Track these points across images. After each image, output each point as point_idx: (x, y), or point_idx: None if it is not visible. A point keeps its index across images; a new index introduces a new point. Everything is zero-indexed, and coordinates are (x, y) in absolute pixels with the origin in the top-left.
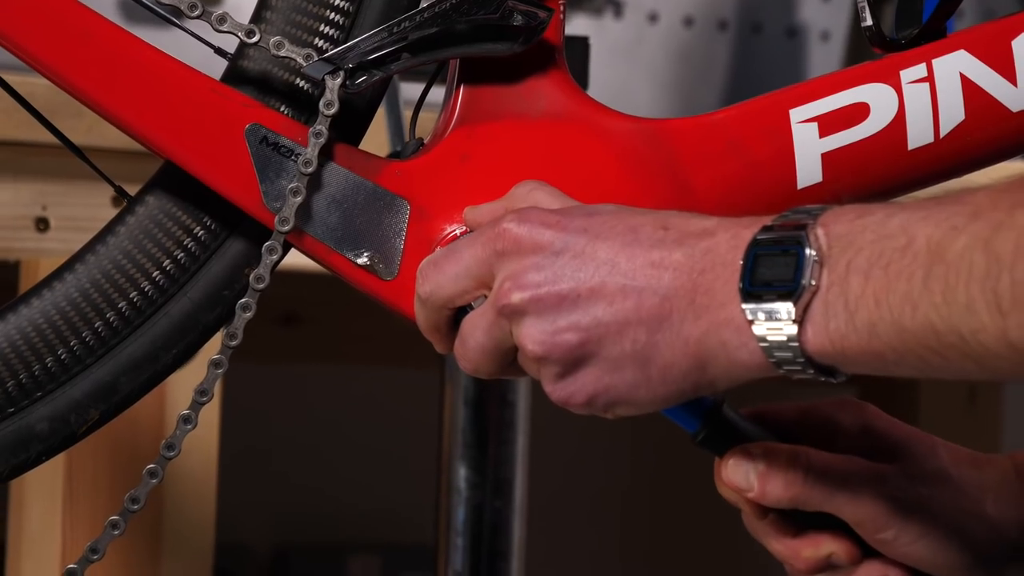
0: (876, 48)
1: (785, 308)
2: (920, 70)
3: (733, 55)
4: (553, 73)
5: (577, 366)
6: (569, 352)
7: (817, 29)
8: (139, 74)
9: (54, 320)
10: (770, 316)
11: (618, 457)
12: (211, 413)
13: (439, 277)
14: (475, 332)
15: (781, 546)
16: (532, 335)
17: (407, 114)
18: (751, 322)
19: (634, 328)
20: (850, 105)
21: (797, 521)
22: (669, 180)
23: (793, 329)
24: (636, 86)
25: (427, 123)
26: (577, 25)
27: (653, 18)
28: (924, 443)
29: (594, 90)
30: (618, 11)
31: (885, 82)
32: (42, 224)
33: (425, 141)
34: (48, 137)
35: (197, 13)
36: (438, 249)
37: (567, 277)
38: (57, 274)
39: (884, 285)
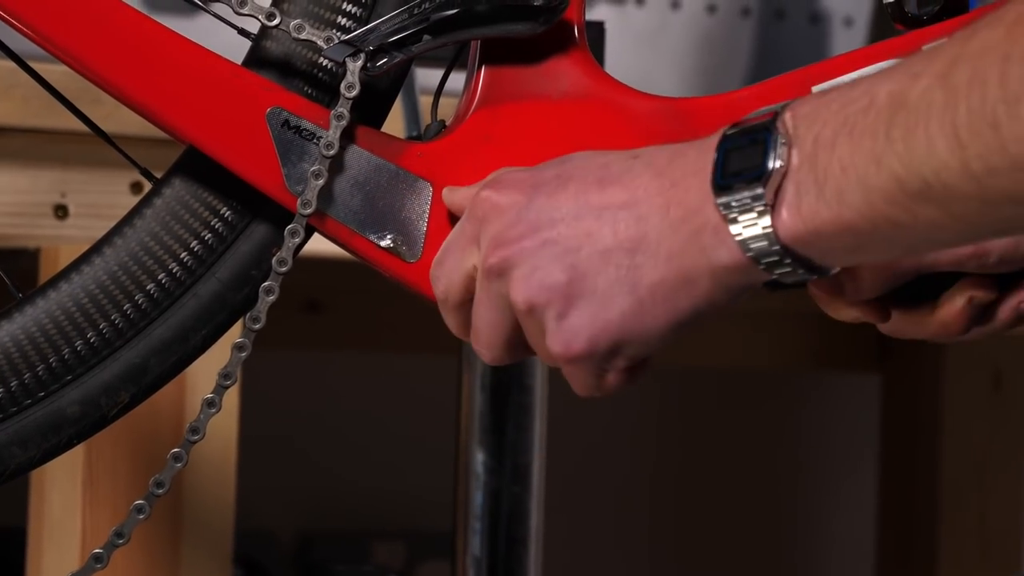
0: (898, 25)
1: (755, 194)
2: None
3: (756, 42)
4: (574, 53)
5: (569, 307)
6: (557, 292)
7: (840, 15)
8: (159, 59)
9: (83, 303)
10: (743, 207)
11: (643, 444)
12: (230, 398)
13: (445, 272)
14: (479, 310)
15: (927, 327)
16: (518, 286)
17: (423, 100)
18: (725, 218)
19: (615, 254)
20: None
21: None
22: None
23: (767, 218)
24: (659, 73)
25: (446, 109)
26: (600, 12)
27: (676, 5)
28: None
29: (617, 77)
30: None
31: None
32: (61, 211)
33: (447, 123)
34: (66, 124)
35: None
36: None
37: (544, 222)
38: (85, 258)
39: (849, 150)
